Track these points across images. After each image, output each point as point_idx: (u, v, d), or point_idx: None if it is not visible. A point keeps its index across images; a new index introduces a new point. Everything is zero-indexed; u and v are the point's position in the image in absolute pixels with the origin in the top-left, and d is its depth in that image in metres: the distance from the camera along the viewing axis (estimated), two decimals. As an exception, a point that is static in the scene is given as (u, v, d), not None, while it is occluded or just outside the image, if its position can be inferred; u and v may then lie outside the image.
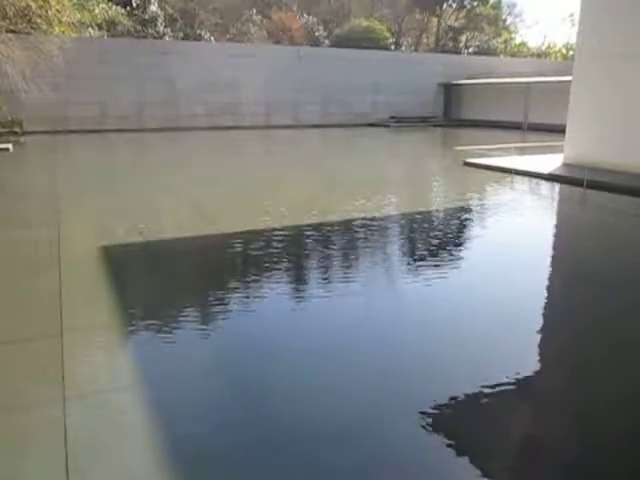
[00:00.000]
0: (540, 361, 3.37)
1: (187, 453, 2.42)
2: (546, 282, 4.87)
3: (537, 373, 3.20)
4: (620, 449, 2.53)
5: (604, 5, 10.25)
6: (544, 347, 3.55)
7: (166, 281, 4.78)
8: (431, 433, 2.57)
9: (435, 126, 24.79)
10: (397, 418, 2.70)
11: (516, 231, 6.63)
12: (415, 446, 2.51)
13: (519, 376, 3.10)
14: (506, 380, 3.04)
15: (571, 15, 42.97)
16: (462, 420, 2.72)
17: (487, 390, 2.94)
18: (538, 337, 3.70)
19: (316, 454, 2.43)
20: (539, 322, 3.97)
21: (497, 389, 2.96)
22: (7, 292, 4.36)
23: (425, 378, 3.10)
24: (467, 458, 2.41)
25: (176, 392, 2.92)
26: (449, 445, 2.51)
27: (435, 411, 2.75)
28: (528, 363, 3.28)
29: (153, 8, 26.54)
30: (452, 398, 2.86)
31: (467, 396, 2.88)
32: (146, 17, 26.02)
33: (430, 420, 2.66)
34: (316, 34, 33.00)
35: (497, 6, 41.14)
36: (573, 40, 31.55)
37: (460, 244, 6.02)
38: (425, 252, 5.75)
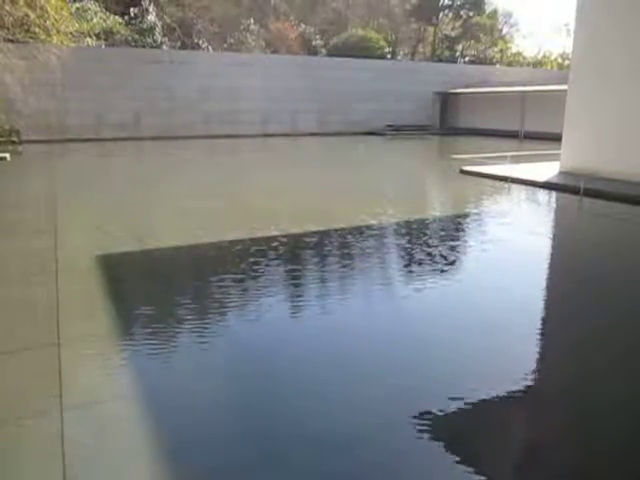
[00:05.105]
0: (542, 366, 3.36)
1: (186, 464, 2.41)
2: (544, 288, 4.88)
3: (539, 377, 3.20)
4: (621, 453, 2.53)
5: (600, 14, 10.34)
6: (546, 352, 3.55)
7: (163, 290, 4.77)
8: (433, 438, 2.57)
9: (432, 134, 24.90)
10: (398, 423, 2.69)
11: (513, 238, 6.64)
12: (416, 451, 2.50)
13: (519, 380, 3.10)
14: (507, 384, 3.05)
15: (566, 25, 43.39)
16: (462, 425, 2.71)
17: (487, 394, 2.94)
18: (539, 342, 3.70)
19: (316, 463, 2.42)
20: (538, 327, 3.97)
21: (498, 393, 2.96)
22: (4, 301, 4.34)
23: (427, 382, 3.10)
24: (468, 463, 2.41)
25: (174, 403, 2.91)
26: (450, 449, 2.50)
27: (437, 416, 2.74)
28: (529, 367, 3.28)
29: (151, 18, 26.66)
30: (453, 402, 2.86)
31: (468, 400, 2.87)
32: (144, 26, 26.14)
33: (432, 425, 2.65)
34: (313, 43, 33.22)
35: (493, 16, 41.49)
36: (568, 49, 31.75)
37: (457, 252, 6.03)
38: (423, 259, 5.75)
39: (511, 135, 22.79)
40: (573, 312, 4.38)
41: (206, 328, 3.91)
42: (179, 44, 28.03)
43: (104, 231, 6.66)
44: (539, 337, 3.83)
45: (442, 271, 5.27)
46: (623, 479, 2.39)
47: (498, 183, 10.50)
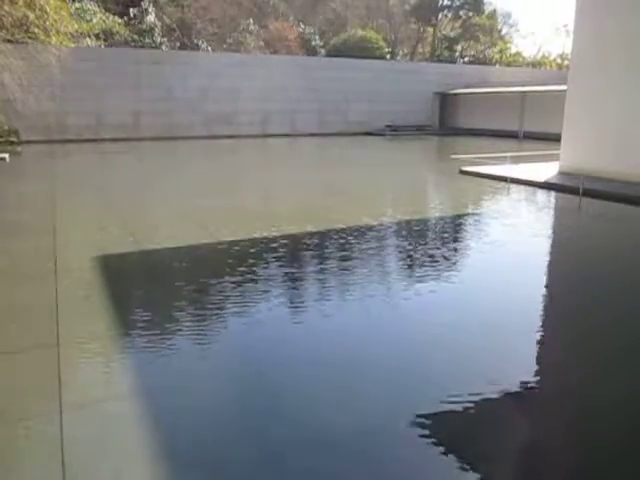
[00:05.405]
0: (542, 366, 3.37)
1: (185, 465, 2.41)
2: (544, 289, 4.88)
3: (539, 377, 3.20)
4: (620, 454, 2.53)
5: (599, 15, 10.35)
6: (546, 352, 3.56)
7: (163, 291, 4.76)
8: (432, 438, 2.57)
9: (431, 135, 24.91)
10: (397, 423, 2.69)
11: (513, 239, 6.64)
12: (416, 452, 2.50)
13: (519, 381, 3.11)
14: (507, 384, 3.05)
15: (565, 25, 43.40)
16: (462, 425, 2.71)
17: (487, 394, 2.93)
18: (539, 342, 3.70)
19: (315, 463, 2.42)
20: (538, 328, 3.97)
21: (498, 393, 2.96)
22: (4, 301, 4.34)
23: (427, 382, 3.10)
24: (467, 463, 2.41)
25: (174, 403, 2.90)
26: (450, 450, 2.50)
27: (436, 416, 2.74)
28: (530, 368, 3.29)
29: (150, 18, 26.65)
30: (453, 403, 2.86)
31: (467, 400, 2.87)
32: (143, 27, 26.12)
33: (431, 425, 2.65)
34: (312, 44, 33.21)
35: (492, 16, 41.49)
36: (568, 50, 31.81)
37: (457, 252, 6.03)
38: (423, 260, 5.75)
39: (510, 135, 22.81)
40: (573, 312, 4.38)
41: (206, 329, 3.91)
42: (178, 44, 28.02)
43: (103, 232, 6.66)
44: (539, 337, 3.83)
45: (442, 272, 5.26)
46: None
47: (498, 183, 10.50)
